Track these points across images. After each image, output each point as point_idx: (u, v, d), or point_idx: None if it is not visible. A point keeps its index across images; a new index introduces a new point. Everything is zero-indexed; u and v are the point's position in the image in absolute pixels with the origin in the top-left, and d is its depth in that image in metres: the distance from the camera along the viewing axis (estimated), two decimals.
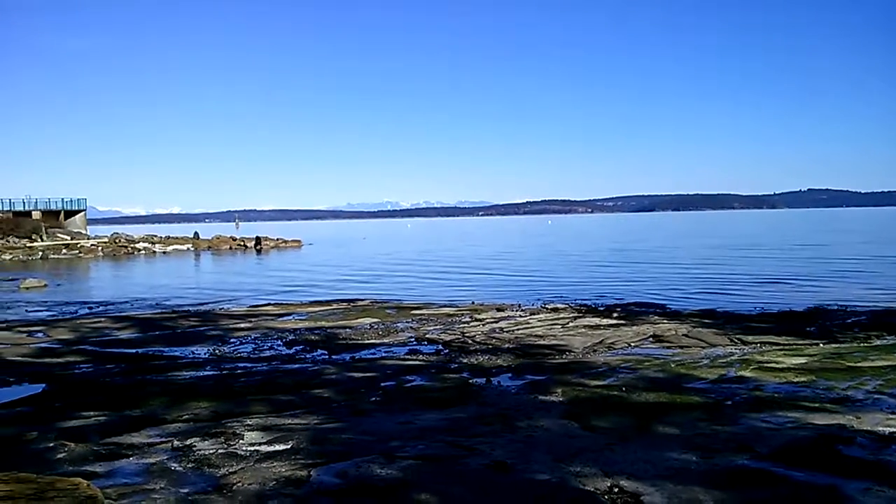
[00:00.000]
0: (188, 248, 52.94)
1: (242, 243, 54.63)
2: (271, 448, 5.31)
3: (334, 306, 16.39)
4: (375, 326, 13.06)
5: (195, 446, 5.40)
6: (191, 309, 17.10)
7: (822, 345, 9.85)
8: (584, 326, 12.34)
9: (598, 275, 25.30)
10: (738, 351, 9.61)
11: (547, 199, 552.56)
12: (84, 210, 60.51)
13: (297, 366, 9.37)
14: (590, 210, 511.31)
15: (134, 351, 10.89)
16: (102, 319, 14.99)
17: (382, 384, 7.88)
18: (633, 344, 10.67)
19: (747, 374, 7.70)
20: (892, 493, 4.14)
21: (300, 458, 5.02)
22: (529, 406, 6.55)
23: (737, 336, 10.97)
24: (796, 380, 7.30)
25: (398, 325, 13.22)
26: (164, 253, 49.81)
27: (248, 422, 6.16)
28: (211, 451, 5.25)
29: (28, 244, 48.07)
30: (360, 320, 13.90)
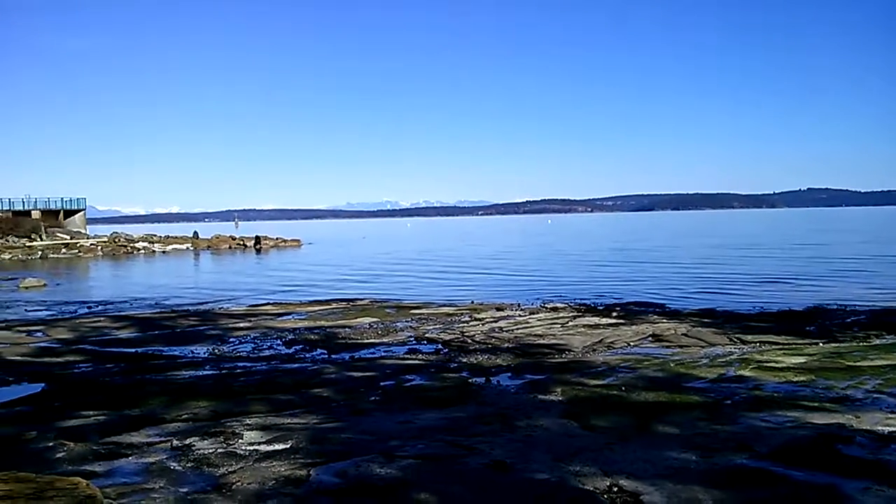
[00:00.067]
0: (187, 248, 52.93)
1: (242, 243, 54.63)
2: (271, 447, 5.31)
3: (333, 306, 16.39)
4: (375, 326, 13.06)
5: (194, 446, 5.40)
6: (190, 308, 17.09)
7: (821, 344, 9.85)
8: (584, 326, 12.34)
9: (598, 274, 25.30)
10: (737, 350, 9.61)
11: (546, 198, 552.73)
12: (83, 209, 60.50)
13: (296, 365, 9.37)
14: (589, 209, 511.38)
15: (133, 350, 10.89)
16: (102, 319, 14.99)
17: (382, 384, 7.88)
18: (632, 343, 10.67)
19: (747, 373, 7.70)
20: (891, 492, 4.14)
21: (299, 458, 5.02)
22: (529, 405, 6.55)
23: (736, 335, 10.97)
24: (796, 379, 7.30)
25: (397, 324, 13.22)
26: (164, 252, 49.80)
27: (248, 421, 6.16)
28: (210, 451, 5.25)
29: (27, 243, 48.06)
30: (359, 320, 13.90)
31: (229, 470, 4.80)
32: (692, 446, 5.08)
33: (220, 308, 17.01)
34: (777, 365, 8.08)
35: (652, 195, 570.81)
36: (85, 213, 60.69)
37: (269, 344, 11.34)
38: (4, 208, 55.90)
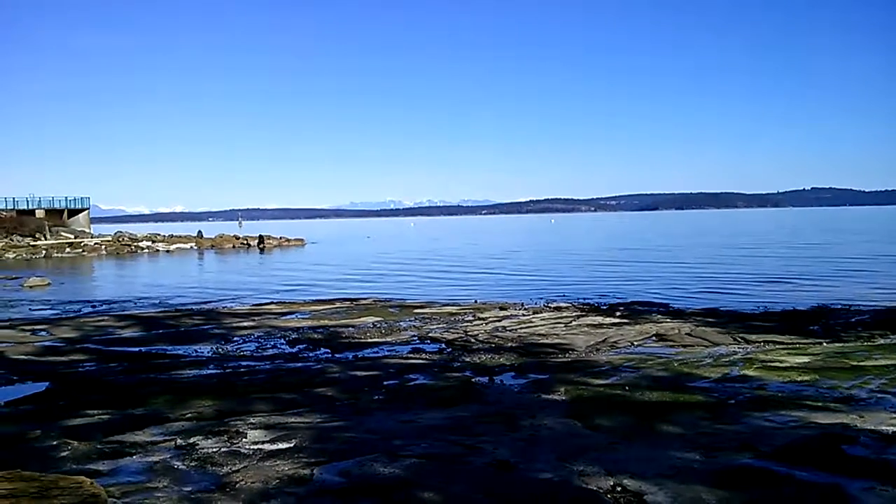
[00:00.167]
0: (191, 247, 53.02)
1: (246, 242, 54.70)
2: (274, 447, 5.32)
3: (337, 305, 16.40)
4: (378, 325, 13.07)
5: (198, 445, 5.41)
6: (194, 307, 17.12)
7: (825, 344, 9.83)
8: (587, 325, 12.33)
9: (601, 274, 25.28)
10: (741, 350, 9.60)
11: (550, 197, 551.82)
12: (87, 209, 60.63)
13: (300, 364, 9.38)
14: (593, 209, 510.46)
15: (137, 349, 10.91)
16: (106, 318, 15.02)
17: (385, 383, 7.88)
18: (636, 343, 10.66)
19: (750, 373, 7.69)
20: (895, 492, 4.12)
21: (303, 457, 5.02)
22: (532, 405, 6.55)
23: (740, 335, 10.95)
24: (800, 379, 7.28)
25: (401, 323, 13.23)
26: (168, 252, 49.88)
27: (252, 420, 6.17)
28: (214, 450, 5.26)
29: (32, 243, 48.18)
30: (362, 319, 13.91)
31: (233, 469, 4.80)
32: (696, 446, 5.07)
33: (223, 307, 17.04)
34: (781, 364, 8.07)
35: (656, 194, 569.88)
36: (89, 213, 60.82)
37: (272, 343, 11.36)
38: (9, 207, 56.04)
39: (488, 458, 4.91)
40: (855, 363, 7.97)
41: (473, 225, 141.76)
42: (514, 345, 10.57)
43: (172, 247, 52.15)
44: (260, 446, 5.34)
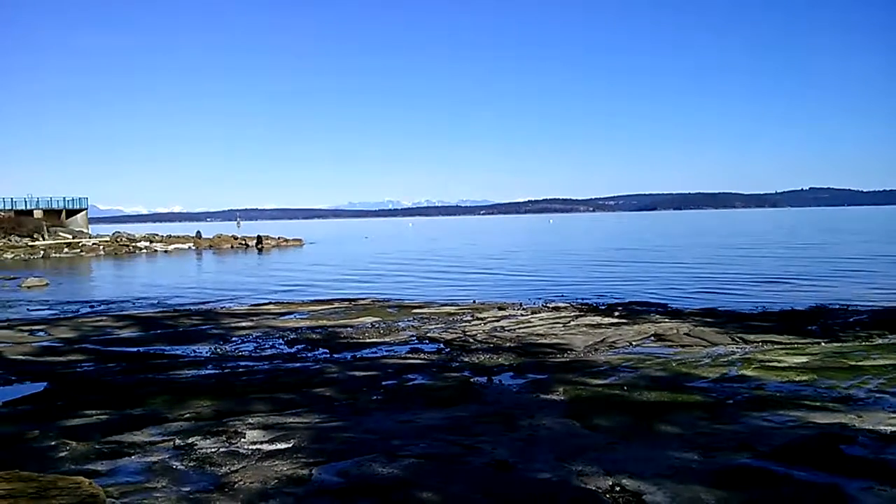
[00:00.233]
0: (189, 247, 52.98)
1: (244, 242, 54.68)
2: (273, 447, 5.32)
3: (335, 305, 16.39)
4: (377, 325, 13.07)
5: (197, 445, 5.41)
6: (192, 308, 17.11)
7: (823, 344, 9.84)
8: (586, 325, 12.34)
9: (600, 274, 25.29)
10: (739, 350, 9.61)
11: (548, 197, 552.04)
12: (85, 209, 60.58)
13: (298, 364, 9.38)
14: (591, 209, 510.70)
15: (135, 349, 10.90)
16: (104, 318, 15.01)
17: (384, 383, 7.88)
18: (634, 343, 10.66)
19: (749, 372, 7.70)
20: (893, 492, 4.13)
21: (302, 457, 5.02)
22: (531, 405, 6.55)
23: (738, 335, 10.96)
24: (798, 379, 7.29)
25: (399, 323, 13.22)
26: (166, 252, 49.84)
27: (250, 420, 6.17)
28: (212, 450, 5.25)
29: (30, 243, 48.12)
30: (361, 319, 13.91)
31: (231, 469, 4.80)
32: (694, 446, 5.07)
33: (222, 307, 17.03)
34: (779, 364, 8.07)
35: (654, 195, 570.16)
36: (87, 213, 60.78)
37: (271, 343, 11.35)
38: (7, 208, 56.01)
39: (487, 458, 4.91)
40: (853, 363, 7.98)
41: (472, 225, 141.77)
42: (512, 345, 10.57)
43: (170, 247, 52.12)
44: (258, 446, 5.33)
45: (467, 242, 57.65)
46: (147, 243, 52.51)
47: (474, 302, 16.68)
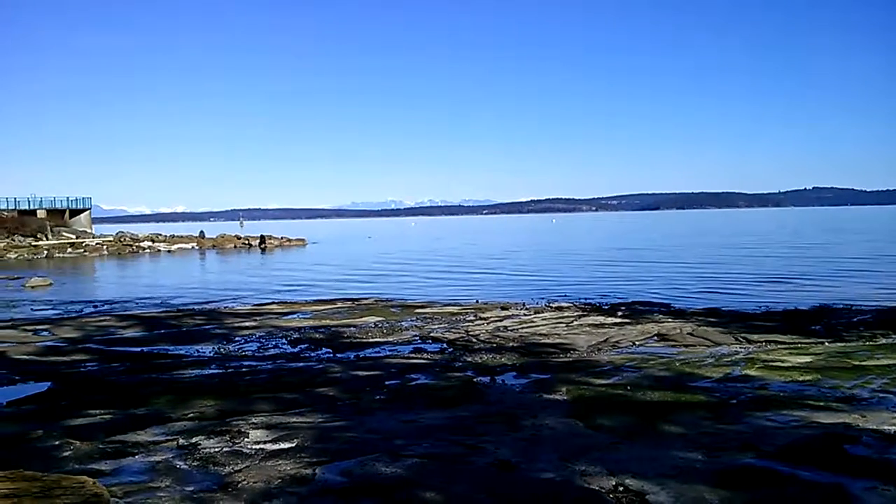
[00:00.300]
0: (193, 247, 53.05)
1: (247, 242, 54.73)
2: (276, 446, 5.32)
3: (339, 305, 16.40)
4: (380, 325, 13.07)
5: (200, 444, 5.42)
6: (195, 307, 17.13)
7: (827, 343, 9.83)
8: (589, 325, 12.32)
9: (603, 273, 25.27)
10: (742, 350, 9.59)
11: (551, 197, 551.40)
12: (89, 209, 60.69)
13: (301, 364, 9.39)
14: (594, 208, 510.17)
15: (139, 349, 10.91)
16: (107, 318, 15.03)
17: (387, 383, 7.88)
18: (637, 343, 10.65)
19: (752, 372, 7.69)
20: None
21: (305, 457, 5.02)
22: (534, 405, 6.55)
23: (742, 335, 10.94)
24: (801, 378, 7.28)
25: (402, 323, 13.23)
26: (169, 252, 49.91)
27: (253, 420, 6.17)
28: (216, 450, 5.26)
29: (33, 243, 48.22)
30: (364, 319, 13.91)
31: (235, 469, 4.81)
32: (698, 446, 5.07)
33: (225, 307, 17.04)
34: (783, 364, 8.06)
35: (657, 194, 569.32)
36: (90, 213, 60.89)
37: (274, 343, 11.36)
38: (10, 208, 56.11)
39: (490, 458, 4.91)
40: (857, 363, 7.96)
41: (474, 225, 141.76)
42: (515, 345, 10.57)
43: (174, 247, 52.19)
44: (262, 446, 5.34)
45: (470, 242, 57.65)
46: (150, 243, 52.58)
47: (477, 302, 16.68)
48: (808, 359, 8.36)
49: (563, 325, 12.42)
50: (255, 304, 17.44)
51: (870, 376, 7.23)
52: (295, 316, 14.78)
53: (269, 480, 4.54)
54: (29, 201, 57.37)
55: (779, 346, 9.75)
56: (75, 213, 59.20)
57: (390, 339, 11.58)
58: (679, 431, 5.47)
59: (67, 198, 59.67)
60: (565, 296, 17.92)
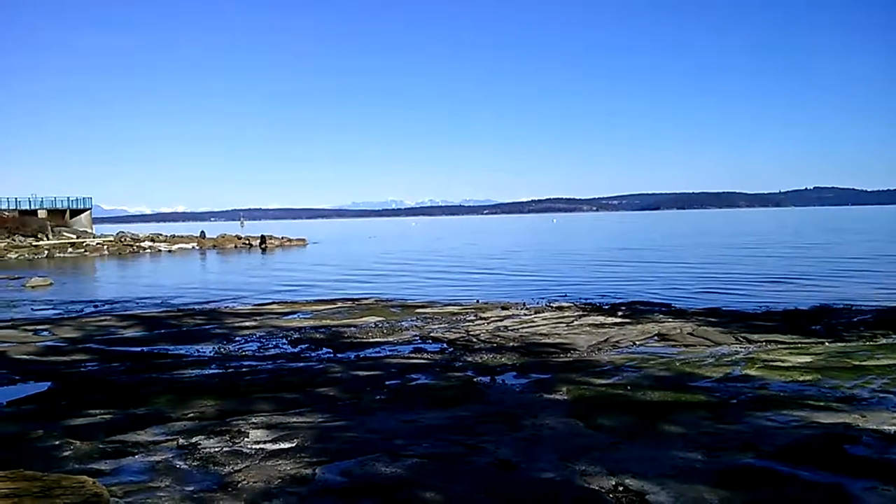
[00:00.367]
0: (193, 247, 53.06)
1: (247, 242, 54.74)
2: (276, 446, 5.32)
3: (339, 305, 16.40)
4: (380, 325, 13.07)
5: (200, 444, 5.42)
6: (196, 307, 17.13)
7: (827, 343, 9.82)
8: (589, 325, 12.32)
9: (603, 273, 25.27)
10: (743, 349, 9.59)
11: (552, 197, 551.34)
12: (89, 209, 60.70)
13: (301, 364, 9.39)
14: (595, 208, 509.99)
15: (139, 349, 10.92)
16: (108, 318, 15.03)
17: (387, 383, 7.88)
18: (637, 342, 10.65)
19: (752, 372, 7.69)
20: None
21: (305, 457, 5.03)
22: (534, 404, 6.55)
23: (742, 335, 10.94)
24: (802, 378, 7.28)
25: (403, 323, 13.23)
26: (170, 252, 49.92)
27: (254, 420, 6.18)
28: (216, 450, 5.26)
29: (34, 243, 48.23)
30: (364, 319, 13.91)
31: (235, 469, 4.81)
32: (698, 446, 5.07)
33: (225, 307, 17.04)
34: (783, 364, 8.06)
35: (657, 194, 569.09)
36: (91, 213, 60.90)
37: (274, 343, 11.36)
38: (11, 207, 56.12)
39: (490, 458, 4.91)
40: (857, 363, 7.96)
41: (475, 225, 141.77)
42: (515, 344, 10.57)
43: (174, 247, 52.20)
44: (262, 446, 5.34)
45: (470, 242, 57.66)
46: (151, 243, 52.59)
47: (477, 301, 16.68)
48: (808, 359, 8.36)
49: (564, 324, 12.42)
50: (255, 304, 17.44)
51: (870, 376, 7.23)
52: (295, 316, 14.78)
53: (269, 480, 4.54)
54: (30, 201, 57.40)
55: (779, 346, 9.75)
56: (76, 213, 59.21)
57: (390, 339, 11.58)
58: (679, 431, 5.48)
59: (68, 198, 59.74)
60: (565, 296, 17.93)
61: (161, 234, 58.35)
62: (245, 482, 4.51)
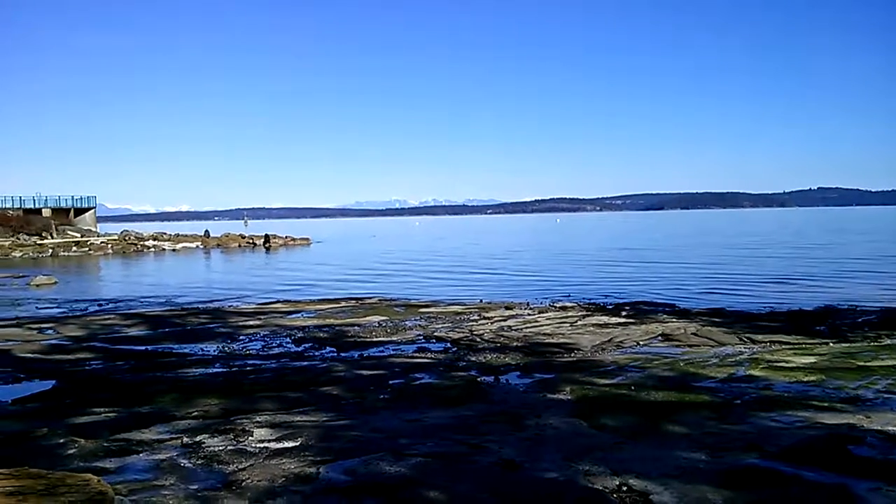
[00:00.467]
0: (197, 246, 53.13)
1: (251, 241, 54.79)
2: (280, 445, 5.33)
3: (343, 304, 16.42)
4: (384, 324, 13.08)
5: (204, 443, 5.43)
6: (200, 306, 17.16)
7: (831, 344, 9.80)
8: (593, 325, 12.32)
9: (607, 273, 25.25)
10: (747, 350, 9.57)
11: (555, 197, 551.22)
12: (94, 208, 60.75)
13: (305, 363, 9.40)
14: (598, 208, 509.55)
15: (143, 348, 10.94)
16: (112, 316, 15.07)
17: (391, 382, 7.89)
18: (641, 342, 10.64)
19: (756, 373, 7.67)
20: None
21: (309, 455, 5.03)
22: (538, 404, 6.54)
23: (746, 335, 10.92)
24: (806, 379, 7.26)
25: (406, 323, 13.23)
26: (174, 250, 50.00)
27: (258, 419, 6.18)
28: (220, 448, 5.27)
29: (38, 241, 48.35)
30: (368, 318, 13.92)
31: (239, 467, 4.81)
32: (702, 446, 5.06)
33: (229, 306, 17.07)
34: (787, 365, 8.05)
35: (661, 194, 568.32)
36: (95, 212, 60.95)
37: (278, 342, 11.38)
38: (15, 206, 56.23)
39: (494, 458, 4.91)
40: (861, 363, 7.94)
41: (479, 224, 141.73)
42: (519, 344, 10.57)
43: (178, 246, 52.29)
44: (266, 445, 5.35)
45: (474, 242, 57.65)
46: (155, 242, 52.70)
47: (481, 301, 16.68)
48: (812, 359, 8.34)
49: (567, 324, 12.42)
50: (259, 303, 17.47)
51: (874, 377, 7.21)
52: (299, 315, 14.80)
53: (273, 479, 4.55)
54: (34, 200, 57.44)
55: (783, 347, 9.74)
56: (80, 211, 59.28)
57: (394, 338, 11.58)
58: (683, 431, 5.47)
59: (72, 196, 59.76)
60: (569, 296, 17.92)
61: (165, 233, 58.46)
62: (249, 481, 4.52)
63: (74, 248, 47.94)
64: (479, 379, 7.98)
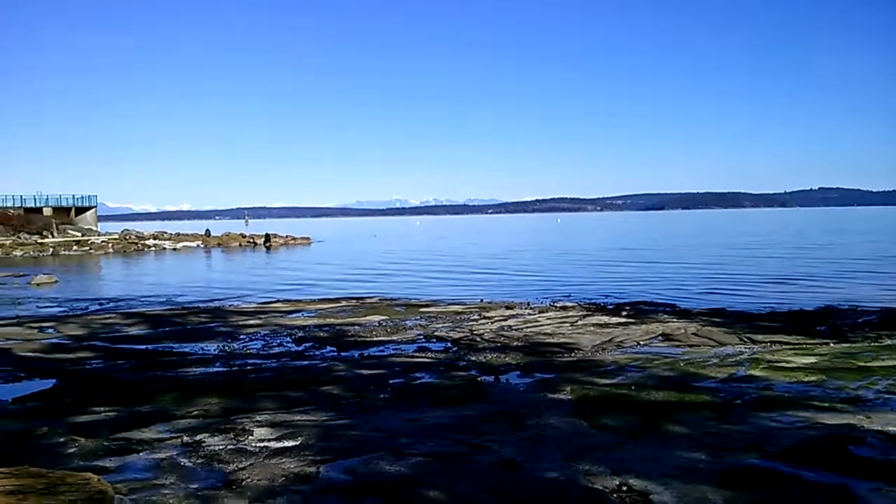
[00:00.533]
0: (198, 245, 53.14)
1: (252, 240, 54.80)
2: (280, 444, 5.33)
3: (343, 303, 16.42)
4: (384, 324, 13.08)
5: (205, 442, 5.43)
6: (200, 305, 17.16)
7: (832, 344, 9.80)
8: (593, 325, 12.32)
9: (607, 273, 25.24)
10: (747, 350, 9.57)
11: (556, 197, 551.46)
12: (95, 207, 60.78)
13: (306, 363, 9.40)
14: (599, 208, 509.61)
15: (144, 347, 10.95)
16: (113, 315, 15.07)
17: (391, 381, 7.89)
18: (642, 342, 10.64)
19: (757, 373, 7.67)
20: None
21: (309, 455, 5.03)
22: (538, 404, 6.54)
23: (746, 335, 10.92)
24: (806, 379, 7.26)
25: (407, 322, 13.23)
26: (175, 250, 50.01)
27: (258, 418, 6.19)
28: (220, 447, 5.27)
29: (39, 240, 48.37)
30: (368, 318, 13.92)
31: (239, 466, 4.82)
32: (702, 446, 5.06)
33: (230, 305, 17.08)
34: (787, 365, 8.04)
35: (662, 194, 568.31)
36: (96, 211, 60.99)
37: (278, 341, 11.38)
38: (17, 205, 56.26)
39: (494, 458, 4.91)
40: (862, 364, 7.94)
41: (479, 224, 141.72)
42: (519, 344, 10.57)
43: (179, 245, 52.30)
44: (266, 444, 5.35)
45: (474, 241, 57.64)
46: (155, 241, 52.69)
47: (482, 301, 16.68)
48: (812, 359, 8.34)
49: (568, 324, 12.42)
50: (259, 303, 17.47)
51: (875, 377, 7.21)
52: (299, 314, 14.80)
53: (274, 478, 4.55)
54: (35, 199, 57.47)
55: (783, 347, 9.73)
56: (81, 210, 59.31)
57: (394, 337, 11.59)
58: (683, 431, 5.47)
59: (73, 196, 59.79)
60: (569, 295, 17.92)
61: (166, 233, 58.46)
62: (249, 480, 4.52)
63: (75, 248, 47.95)
64: (479, 378, 7.98)
